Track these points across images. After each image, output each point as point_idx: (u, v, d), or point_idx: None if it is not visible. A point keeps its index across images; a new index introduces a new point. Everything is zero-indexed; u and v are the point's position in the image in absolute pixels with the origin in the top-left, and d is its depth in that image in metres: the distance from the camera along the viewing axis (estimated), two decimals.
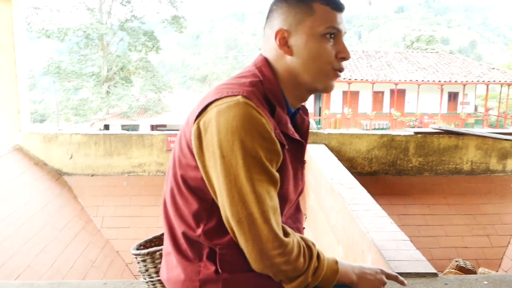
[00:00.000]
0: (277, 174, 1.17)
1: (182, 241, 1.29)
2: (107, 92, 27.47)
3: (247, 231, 1.11)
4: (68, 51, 27.92)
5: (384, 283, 1.30)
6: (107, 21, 28.12)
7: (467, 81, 24.37)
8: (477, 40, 71.40)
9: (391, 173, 5.19)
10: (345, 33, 1.31)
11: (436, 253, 4.73)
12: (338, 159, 4.66)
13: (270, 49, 1.30)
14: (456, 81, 24.21)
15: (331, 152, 4.80)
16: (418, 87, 24.58)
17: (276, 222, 1.12)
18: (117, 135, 4.81)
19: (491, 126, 25.95)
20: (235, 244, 1.23)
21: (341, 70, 1.29)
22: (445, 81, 24.16)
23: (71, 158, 4.81)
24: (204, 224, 1.23)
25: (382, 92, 25.63)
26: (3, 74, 4.54)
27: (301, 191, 1.50)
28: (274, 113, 1.23)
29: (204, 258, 1.25)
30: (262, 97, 1.22)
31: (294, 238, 1.17)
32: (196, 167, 1.20)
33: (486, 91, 26.22)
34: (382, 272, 1.32)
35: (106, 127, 27.51)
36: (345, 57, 1.27)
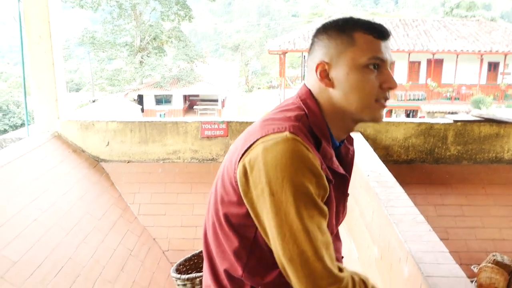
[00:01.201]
0: (325, 208, 1.16)
1: (223, 276, 1.30)
2: (140, 62, 27.71)
3: (300, 269, 1.09)
4: (101, 21, 28.14)
5: None
6: None
7: (509, 51, 23.34)
8: None
9: (428, 161, 5.08)
10: (392, 62, 1.26)
11: (473, 245, 4.65)
12: (374, 147, 4.57)
13: (312, 82, 1.28)
14: (497, 50, 23.22)
15: (366, 142, 4.71)
16: (457, 57, 23.72)
17: (330, 257, 1.11)
18: (152, 122, 4.85)
19: None
20: (278, 284, 1.23)
21: (386, 99, 1.25)
22: (485, 51, 23.22)
23: (107, 145, 4.89)
24: (245, 263, 1.24)
25: (419, 62, 24.88)
26: (41, 63, 4.60)
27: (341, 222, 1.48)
28: (320, 147, 1.21)
29: None
30: (308, 131, 1.21)
31: (347, 273, 1.16)
32: (239, 204, 1.20)
33: None
34: None
35: (140, 97, 27.89)
36: (391, 87, 1.23)
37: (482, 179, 5.04)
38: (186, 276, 1.76)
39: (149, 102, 28.20)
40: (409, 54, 23.41)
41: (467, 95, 24.10)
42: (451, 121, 5.01)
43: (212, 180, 4.45)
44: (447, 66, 24.71)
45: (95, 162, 4.91)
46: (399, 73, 24.55)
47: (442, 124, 4.97)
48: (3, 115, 23.11)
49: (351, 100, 1.22)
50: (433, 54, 23.42)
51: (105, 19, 27.72)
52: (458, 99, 24.29)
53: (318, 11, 50.75)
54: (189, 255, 1.95)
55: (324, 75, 1.24)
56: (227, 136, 4.88)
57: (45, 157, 4.39)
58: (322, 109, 1.26)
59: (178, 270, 1.87)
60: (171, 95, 28.36)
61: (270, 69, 43.45)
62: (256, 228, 1.19)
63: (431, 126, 4.97)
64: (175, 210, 4.71)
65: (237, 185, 1.18)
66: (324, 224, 1.14)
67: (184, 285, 1.80)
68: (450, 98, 24.22)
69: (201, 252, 2.05)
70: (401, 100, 24.06)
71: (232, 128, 4.88)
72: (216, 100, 28.86)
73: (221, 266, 1.31)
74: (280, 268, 1.16)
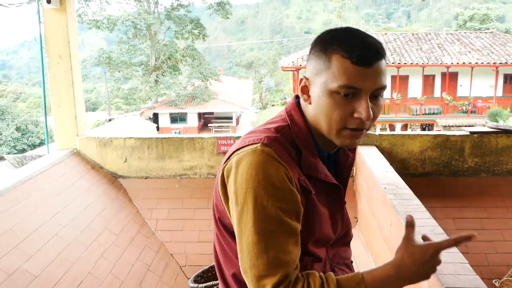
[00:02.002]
0: (295, 225, 1.14)
1: (232, 282, 1.32)
2: (156, 81, 28.09)
3: (251, 282, 1.10)
4: (117, 41, 28.67)
5: (439, 262, 1.15)
6: (154, 10, 28.58)
7: None
8: None
9: (446, 174, 5.04)
10: (379, 88, 1.15)
11: (493, 259, 4.58)
12: (390, 161, 4.56)
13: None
14: None
15: (382, 155, 4.71)
16: (472, 70, 23.59)
17: (280, 277, 1.07)
18: (169, 138, 4.92)
19: None
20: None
21: (359, 128, 1.17)
22: (500, 63, 23.06)
23: (125, 161, 4.96)
24: None
25: (433, 76, 24.81)
26: (61, 82, 4.72)
27: (347, 229, 1.46)
28: (301, 158, 1.22)
29: None
30: (289, 142, 1.21)
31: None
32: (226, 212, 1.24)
33: None
34: (433, 250, 1.12)
35: (155, 115, 28.18)
36: (360, 118, 1.14)
37: (501, 192, 4.97)
38: (203, 285, 1.78)
39: (164, 120, 28.48)
40: (423, 68, 23.36)
41: (483, 108, 23.89)
42: (468, 133, 4.98)
43: None
44: (462, 79, 24.58)
45: (113, 179, 4.97)
46: (414, 87, 24.49)
47: (459, 136, 4.94)
48: (22, 134, 23.53)
49: (321, 122, 1.20)
50: (448, 68, 23.34)
51: (121, 39, 28.26)
52: (475, 112, 24.08)
53: (330, 27, 50.80)
54: (206, 267, 1.98)
55: (305, 91, 1.24)
56: None
57: (65, 173, 4.47)
58: (308, 121, 1.26)
59: (196, 281, 1.90)
60: (186, 113, 28.62)
61: (284, 85, 43.64)
62: None
63: (447, 138, 4.95)
64: (192, 226, 4.74)
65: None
66: (289, 240, 1.11)
67: None
68: (466, 112, 24.04)
69: None
70: (416, 114, 23.94)
71: None
72: (231, 118, 29.02)
73: (228, 272, 1.33)
74: None
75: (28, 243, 3.42)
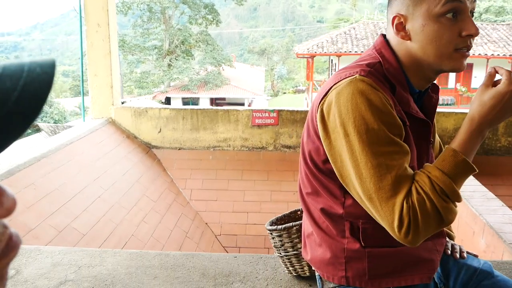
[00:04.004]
0: (404, 144, 1.15)
1: (322, 219, 1.33)
2: (169, 65, 28.04)
3: (379, 206, 1.10)
4: (131, 24, 28.62)
5: None
6: None
7: None
8: None
9: (478, 152, 4.96)
10: (474, 1, 1.20)
11: None
12: None
13: (390, 34, 1.28)
14: None
15: None
16: (487, 61, 23.33)
17: (405, 193, 1.09)
18: (204, 110, 4.94)
19: None
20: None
21: (468, 48, 1.20)
22: None
23: (159, 132, 4.99)
24: (343, 201, 1.27)
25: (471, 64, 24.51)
26: (99, 50, 4.74)
27: None
28: (395, 92, 1.22)
29: (347, 234, 1.28)
30: (382, 77, 1.22)
31: (414, 196, 1.10)
32: (325, 152, 1.23)
33: None
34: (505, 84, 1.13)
35: (168, 99, 28.20)
36: (471, 34, 1.17)
37: None
38: (282, 226, 1.80)
39: (176, 104, 28.47)
40: None
41: None
42: None
43: (261, 168, 4.51)
44: (477, 70, 24.33)
45: (147, 149, 5.01)
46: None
47: None
48: None
49: (428, 52, 1.20)
50: None
51: (135, 22, 28.18)
52: None
53: (343, 16, 50.71)
54: (280, 215, 2.00)
55: (401, 28, 1.23)
56: (277, 124, 4.94)
57: (102, 140, 4.52)
58: (399, 59, 1.26)
59: (273, 224, 1.92)
60: (198, 98, 28.61)
61: (296, 73, 43.46)
62: None
63: None
64: (226, 196, 4.78)
65: (318, 132, 1.22)
66: (405, 159, 1.13)
67: (280, 235, 1.84)
68: None
69: (291, 212, 2.08)
70: (449, 102, 23.78)
71: (283, 117, 4.93)
72: (243, 104, 28.97)
73: (317, 207, 1.34)
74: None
75: (74, 203, 3.47)
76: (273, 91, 40.21)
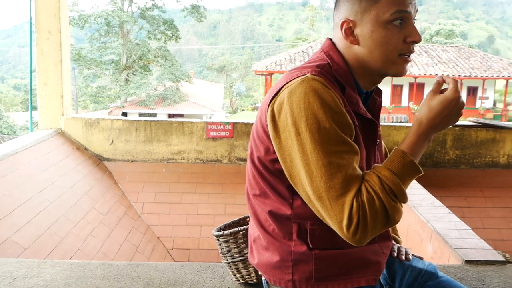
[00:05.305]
0: (355, 144, 1.16)
1: (269, 222, 1.31)
2: (126, 80, 27.63)
3: (329, 205, 1.09)
4: (88, 38, 28.11)
5: (463, 105, 1.18)
6: (128, 9, 28.22)
7: (487, 76, 24.06)
8: (495, 35, 70.49)
9: (428, 165, 5.18)
10: (416, 11, 1.26)
11: None
12: None
13: (338, 38, 1.31)
14: (476, 75, 23.92)
15: None
16: None
17: (355, 192, 1.09)
18: (158, 121, 4.86)
19: (509, 121, 25.61)
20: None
21: (410, 53, 1.26)
22: (465, 76, 23.86)
23: (111, 143, 4.87)
24: (291, 202, 1.26)
25: (401, 86, 25.46)
26: (49, 58, 4.60)
27: None
28: (344, 92, 1.24)
29: (294, 237, 1.27)
30: (332, 77, 1.24)
31: (363, 195, 1.10)
32: (274, 151, 1.22)
33: (506, 86, 25.88)
34: (454, 89, 1.17)
35: (124, 115, 27.70)
36: (415, 40, 1.23)
37: (480, 183, 5.16)
38: (228, 231, 1.77)
39: None
40: (391, 78, 23.94)
41: None
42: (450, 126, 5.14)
43: (216, 181, 4.47)
44: (428, 89, 25.24)
45: (98, 161, 4.87)
46: (383, 96, 25.02)
47: None
48: None
49: (376, 57, 1.24)
50: (415, 78, 23.99)
51: (92, 36, 27.68)
52: None
53: (302, 36, 51.68)
54: (228, 222, 1.96)
55: (349, 33, 1.26)
56: (232, 137, 4.92)
57: (50, 151, 4.36)
58: (347, 62, 1.29)
59: (221, 231, 1.88)
60: (155, 114, 28.25)
61: (254, 91, 43.76)
62: None
63: None
64: (180, 210, 4.69)
65: (268, 131, 1.21)
66: (354, 158, 1.14)
67: (227, 241, 1.81)
68: None
69: (240, 219, 2.05)
70: (384, 122, 24.46)
71: (238, 130, 4.92)
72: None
73: (265, 209, 1.32)
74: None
75: (17, 215, 3.31)
76: (232, 108, 40.29)
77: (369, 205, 1.08)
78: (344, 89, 1.25)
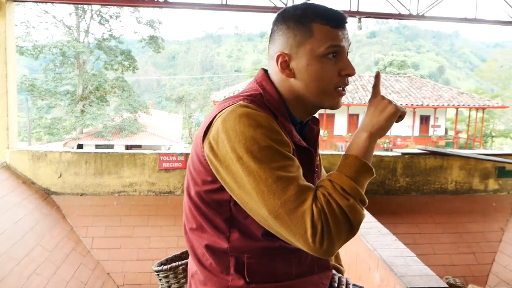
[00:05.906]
0: (295, 158, 1.16)
1: (206, 256, 1.29)
2: (82, 111, 27.07)
3: (288, 219, 1.07)
4: (42, 68, 27.51)
5: (398, 108, 1.28)
6: (84, 39, 27.90)
7: (438, 105, 25.06)
8: (444, 66, 73.76)
9: (380, 193, 5.28)
10: (349, 44, 1.31)
11: None
12: None
13: (273, 70, 1.32)
14: (427, 104, 24.87)
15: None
16: None
17: (311, 199, 1.08)
18: (109, 153, 4.76)
19: (461, 148, 26.64)
20: (262, 252, 1.24)
21: (345, 86, 1.30)
22: (417, 105, 24.78)
23: (60, 177, 4.72)
24: (228, 235, 1.25)
25: (357, 115, 26.11)
26: None
27: None
28: (277, 121, 1.24)
29: (232, 271, 1.25)
30: (264, 106, 1.25)
31: (320, 205, 1.09)
32: (211, 182, 1.21)
33: (456, 114, 27.03)
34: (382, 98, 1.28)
35: (80, 146, 27.04)
36: (349, 73, 1.27)
37: (430, 209, 5.29)
38: (168, 266, 1.72)
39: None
40: (348, 107, 24.54)
41: (402, 146, 25.37)
42: (400, 154, 5.28)
43: (170, 213, 4.41)
44: None
45: (46, 195, 4.70)
46: (340, 125, 25.63)
47: (392, 156, 5.23)
48: None
49: (312, 90, 1.27)
50: None
51: (47, 66, 27.10)
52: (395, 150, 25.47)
53: (260, 66, 52.27)
54: (170, 256, 1.91)
55: (285, 66, 1.28)
56: (185, 168, 4.86)
57: None
58: (280, 93, 1.31)
59: (161, 265, 1.82)
60: (112, 145, 27.72)
61: None
62: (231, 202, 1.20)
63: (381, 158, 5.21)
64: (131, 244, 4.57)
65: (207, 164, 1.20)
66: (300, 171, 1.15)
67: (166, 276, 1.76)
68: (387, 149, 25.38)
69: (182, 253, 2.01)
70: (342, 150, 24.90)
71: None
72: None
73: (201, 244, 1.29)
74: (263, 236, 1.18)
75: None
76: (191, 138, 40.08)
77: (328, 208, 1.07)
78: (276, 118, 1.26)
